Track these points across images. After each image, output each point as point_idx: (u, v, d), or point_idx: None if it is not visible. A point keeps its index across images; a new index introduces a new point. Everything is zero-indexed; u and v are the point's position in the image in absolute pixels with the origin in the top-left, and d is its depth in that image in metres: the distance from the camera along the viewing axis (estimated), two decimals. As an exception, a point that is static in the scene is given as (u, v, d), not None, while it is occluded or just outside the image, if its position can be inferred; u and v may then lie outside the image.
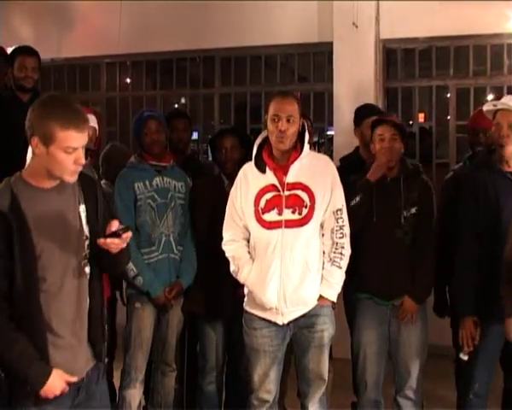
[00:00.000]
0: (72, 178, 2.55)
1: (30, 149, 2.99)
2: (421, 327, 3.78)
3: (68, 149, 2.47)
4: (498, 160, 3.58)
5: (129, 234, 2.56)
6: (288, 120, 3.36)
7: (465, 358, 3.61)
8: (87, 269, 2.64)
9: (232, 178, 3.65)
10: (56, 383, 2.51)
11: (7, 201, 2.46)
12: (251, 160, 3.52)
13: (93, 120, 4.10)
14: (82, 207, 2.62)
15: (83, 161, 2.53)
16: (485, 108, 3.67)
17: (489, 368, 3.64)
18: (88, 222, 2.63)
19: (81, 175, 2.62)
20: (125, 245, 2.58)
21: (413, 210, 3.72)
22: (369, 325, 3.79)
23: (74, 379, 2.58)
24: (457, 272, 3.63)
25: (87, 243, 2.62)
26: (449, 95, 6.37)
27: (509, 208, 3.49)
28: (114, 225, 2.54)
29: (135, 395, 4.02)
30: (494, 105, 3.60)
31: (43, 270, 2.51)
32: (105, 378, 2.81)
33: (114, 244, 2.53)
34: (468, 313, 3.57)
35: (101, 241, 2.52)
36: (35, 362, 2.48)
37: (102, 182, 4.34)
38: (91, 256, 2.64)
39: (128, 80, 7.49)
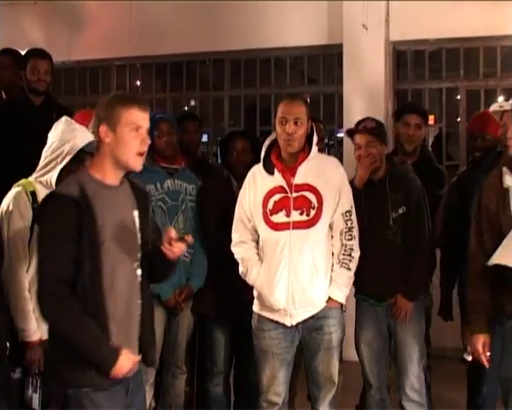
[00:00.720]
0: (137, 164, 2.61)
1: (44, 153, 3.04)
2: (416, 326, 3.79)
3: (133, 126, 2.56)
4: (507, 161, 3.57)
5: (191, 238, 2.66)
6: (296, 123, 3.37)
7: (469, 358, 3.60)
8: (139, 271, 2.67)
9: (241, 180, 3.65)
10: (125, 362, 2.52)
11: (77, 190, 2.51)
12: (260, 162, 3.53)
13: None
14: (136, 213, 2.68)
15: (148, 141, 2.62)
16: (492, 108, 3.68)
17: (497, 371, 3.62)
18: (140, 229, 2.68)
19: (134, 185, 2.72)
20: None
21: (400, 210, 3.73)
22: (367, 326, 3.82)
23: (139, 358, 2.61)
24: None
25: (140, 245, 2.67)
26: (459, 97, 6.36)
27: None
28: (173, 233, 2.61)
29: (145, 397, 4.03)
30: (500, 106, 3.61)
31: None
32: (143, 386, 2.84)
33: (178, 249, 2.60)
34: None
35: (166, 246, 2.59)
36: (104, 343, 2.51)
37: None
38: (142, 262, 2.68)
39: (138, 83, 7.53)
